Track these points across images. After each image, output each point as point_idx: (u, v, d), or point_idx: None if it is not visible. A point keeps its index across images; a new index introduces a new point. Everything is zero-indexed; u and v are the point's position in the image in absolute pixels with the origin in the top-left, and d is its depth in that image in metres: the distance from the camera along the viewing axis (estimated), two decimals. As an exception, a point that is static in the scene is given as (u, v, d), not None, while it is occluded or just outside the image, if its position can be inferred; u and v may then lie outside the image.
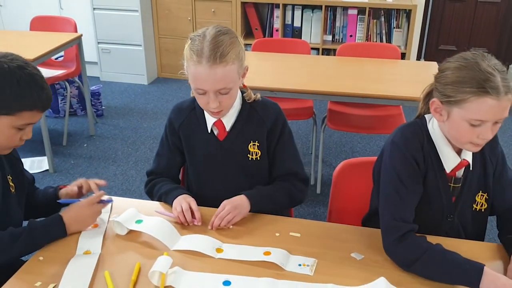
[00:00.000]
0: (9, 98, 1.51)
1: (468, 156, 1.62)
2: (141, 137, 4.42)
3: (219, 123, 1.84)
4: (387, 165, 1.63)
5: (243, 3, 5.20)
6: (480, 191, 1.69)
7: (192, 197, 1.80)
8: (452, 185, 1.65)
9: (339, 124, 3.52)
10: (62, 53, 4.40)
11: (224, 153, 1.85)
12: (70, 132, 4.47)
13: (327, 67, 3.50)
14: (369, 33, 5.09)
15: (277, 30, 5.23)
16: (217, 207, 1.77)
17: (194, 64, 1.64)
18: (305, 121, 4.34)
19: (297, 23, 5.18)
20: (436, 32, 5.57)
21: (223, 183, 1.88)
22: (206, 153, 1.87)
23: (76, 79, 4.49)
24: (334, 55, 4.02)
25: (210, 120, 1.84)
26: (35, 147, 4.15)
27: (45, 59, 3.79)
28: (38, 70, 1.59)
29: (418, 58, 5.60)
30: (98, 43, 5.53)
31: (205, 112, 1.85)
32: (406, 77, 3.31)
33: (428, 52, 5.66)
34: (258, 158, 1.87)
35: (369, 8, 4.92)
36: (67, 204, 1.77)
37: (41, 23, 4.44)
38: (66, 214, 1.67)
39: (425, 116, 1.67)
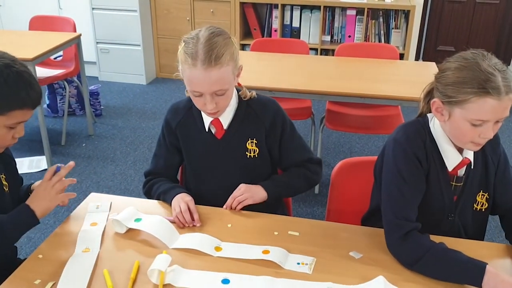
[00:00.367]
0: None
1: (469, 155, 1.63)
2: (139, 137, 4.43)
3: (216, 122, 1.84)
4: (389, 163, 1.63)
5: (241, 3, 5.20)
6: (481, 191, 1.69)
7: (191, 195, 1.80)
8: (454, 183, 1.65)
9: (337, 124, 3.53)
10: (61, 52, 4.41)
11: (222, 151, 1.86)
12: (68, 132, 4.47)
13: (326, 67, 3.50)
14: (368, 34, 5.09)
15: (275, 30, 5.23)
16: (216, 205, 1.79)
17: (189, 67, 1.64)
18: (303, 121, 4.34)
19: (295, 24, 5.19)
20: (435, 32, 5.58)
21: (221, 181, 1.88)
22: (204, 152, 1.87)
23: (75, 78, 4.50)
24: (333, 55, 4.03)
25: (207, 119, 1.85)
26: (33, 147, 4.16)
27: (44, 58, 3.79)
28: (26, 67, 1.57)
29: (417, 59, 5.61)
30: (97, 43, 5.53)
31: (201, 111, 1.85)
32: (405, 77, 3.31)
33: (426, 52, 5.67)
34: (256, 156, 1.88)
35: (368, 8, 4.93)
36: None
37: (40, 23, 4.44)
38: (31, 200, 1.64)
39: (428, 114, 1.67)
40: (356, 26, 5.08)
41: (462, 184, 1.66)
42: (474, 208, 1.70)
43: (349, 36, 5.13)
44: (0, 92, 1.48)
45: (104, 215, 1.77)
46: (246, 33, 5.35)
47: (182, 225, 1.71)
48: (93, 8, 5.37)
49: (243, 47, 5.17)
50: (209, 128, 1.86)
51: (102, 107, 4.90)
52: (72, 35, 4.10)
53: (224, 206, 1.79)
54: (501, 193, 1.70)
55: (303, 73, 3.36)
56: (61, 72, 4.31)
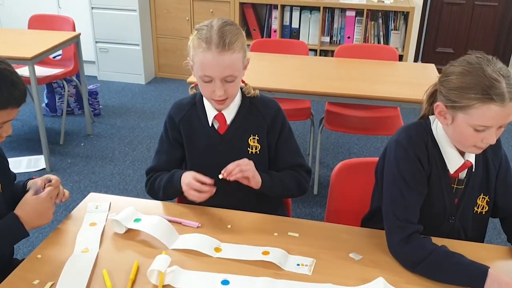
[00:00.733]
0: None
1: (471, 158, 1.63)
2: (138, 137, 4.42)
3: (220, 116, 1.85)
4: (391, 164, 1.63)
5: (241, 4, 5.20)
6: (482, 194, 1.69)
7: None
8: (455, 186, 1.65)
9: (336, 125, 3.53)
10: (60, 52, 4.40)
11: (224, 146, 1.87)
12: (67, 131, 4.46)
13: (325, 68, 3.50)
14: (367, 35, 5.10)
15: (275, 31, 5.23)
16: (216, 203, 1.81)
17: (203, 51, 1.67)
18: (302, 122, 4.35)
19: (295, 24, 5.19)
20: (434, 34, 5.58)
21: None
22: (206, 147, 1.88)
23: (74, 78, 4.49)
24: (332, 56, 4.03)
25: (211, 114, 1.86)
26: (32, 146, 4.15)
27: (43, 57, 3.78)
28: (8, 65, 1.52)
29: (416, 60, 5.61)
30: (96, 42, 5.53)
31: (205, 106, 1.87)
32: (404, 78, 3.31)
33: (425, 54, 5.67)
34: (258, 152, 1.88)
35: (367, 10, 4.93)
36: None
37: (39, 22, 4.44)
38: (22, 210, 1.59)
39: (430, 117, 1.67)
40: (356, 27, 5.08)
41: (463, 186, 1.66)
42: (474, 211, 1.70)
43: (348, 37, 5.13)
44: None
45: (103, 215, 1.77)
46: (246, 33, 5.32)
47: (208, 193, 1.72)
48: (92, 8, 5.37)
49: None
50: (212, 124, 1.87)
51: (100, 106, 4.89)
52: (71, 34, 4.10)
53: (223, 171, 1.73)
54: (502, 196, 1.70)
55: (302, 74, 3.36)
56: (60, 71, 4.31)
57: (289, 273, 1.50)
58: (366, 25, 5.04)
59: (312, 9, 5.13)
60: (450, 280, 1.46)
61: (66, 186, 1.77)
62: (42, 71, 4.23)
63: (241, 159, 1.76)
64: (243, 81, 1.90)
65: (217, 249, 1.60)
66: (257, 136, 1.88)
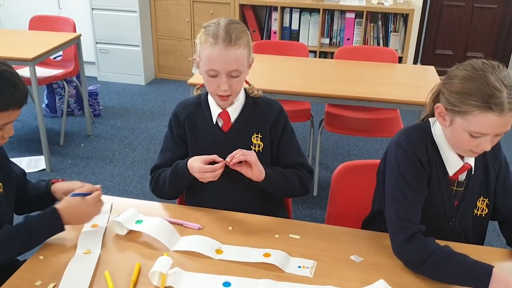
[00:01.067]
0: None
1: (470, 160, 1.64)
2: (138, 138, 4.43)
3: (224, 114, 1.88)
4: (392, 167, 1.64)
5: (241, 5, 5.21)
6: (482, 196, 1.70)
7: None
8: (454, 188, 1.66)
9: (336, 127, 3.54)
10: (60, 52, 4.40)
11: (228, 143, 1.88)
12: (67, 132, 4.47)
13: (325, 70, 3.51)
14: (366, 37, 5.11)
15: (275, 33, 5.24)
16: (218, 203, 1.85)
17: (210, 46, 1.72)
18: (302, 123, 4.35)
19: (294, 26, 5.20)
20: (433, 36, 5.59)
21: (225, 175, 1.87)
22: (210, 144, 1.89)
23: (74, 78, 4.49)
24: (331, 58, 4.03)
25: (215, 112, 1.88)
26: (32, 146, 4.16)
27: (44, 58, 3.79)
28: (9, 66, 1.53)
29: (415, 62, 5.62)
30: (96, 43, 5.53)
31: (210, 104, 1.89)
32: (403, 80, 3.33)
33: (424, 56, 5.68)
34: (261, 150, 1.90)
35: (367, 12, 4.95)
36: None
37: (40, 23, 4.44)
38: (64, 207, 1.62)
39: (429, 119, 1.68)
40: (355, 29, 5.09)
41: (462, 189, 1.67)
42: (474, 214, 1.71)
43: (348, 39, 5.15)
44: None
45: (105, 216, 1.77)
46: (245, 34, 5.35)
47: (220, 168, 1.75)
48: (92, 8, 5.37)
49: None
50: (216, 122, 1.89)
51: (100, 107, 4.89)
52: (72, 35, 4.10)
53: (229, 157, 1.74)
54: (501, 199, 1.71)
55: (302, 75, 3.37)
56: (60, 72, 4.31)
57: (290, 275, 1.51)
58: (366, 27, 5.05)
59: (311, 11, 5.14)
60: (454, 280, 1.46)
61: (59, 178, 1.77)
62: (42, 72, 4.23)
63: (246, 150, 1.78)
64: (247, 82, 1.92)
65: (219, 251, 1.61)
66: (260, 135, 1.90)
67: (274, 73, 3.36)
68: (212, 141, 1.89)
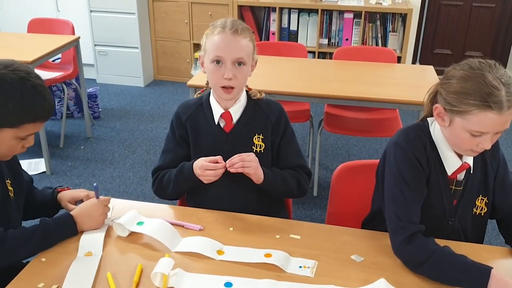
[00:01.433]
0: (12, 112, 1.50)
1: (469, 160, 1.65)
2: (137, 140, 4.43)
3: (226, 115, 1.89)
4: (391, 166, 1.65)
5: (239, 7, 5.22)
6: (481, 195, 1.71)
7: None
8: (453, 187, 1.67)
9: (335, 127, 3.55)
10: (59, 55, 4.41)
11: (229, 144, 1.89)
12: (67, 134, 4.47)
13: (324, 71, 3.52)
14: (365, 37, 5.12)
15: (273, 34, 5.25)
16: (219, 204, 1.86)
17: (218, 33, 1.78)
18: (302, 124, 4.36)
19: (293, 27, 5.21)
20: (432, 36, 5.60)
21: (226, 176, 1.88)
22: (212, 144, 1.90)
23: (73, 81, 4.50)
24: (330, 58, 4.04)
25: (217, 112, 1.90)
26: (32, 149, 4.10)
27: (43, 61, 3.80)
28: (41, 79, 1.58)
29: (414, 62, 5.63)
30: (95, 45, 5.53)
31: (212, 105, 1.91)
32: (402, 80, 3.34)
33: (423, 55, 5.69)
34: (262, 151, 1.91)
35: (365, 12, 4.96)
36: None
37: (38, 25, 4.44)
38: (77, 213, 1.68)
39: (428, 119, 1.69)
40: (354, 29, 5.10)
41: (461, 188, 1.68)
42: (473, 213, 1.72)
43: (347, 39, 5.15)
44: (15, 106, 1.50)
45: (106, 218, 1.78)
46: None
47: (220, 173, 1.78)
48: (91, 11, 5.37)
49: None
50: (218, 122, 1.90)
51: (100, 109, 4.90)
52: (71, 37, 4.11)
53: (228, 162, 1.76)
54: (500, 198, 1.72)
55: (301, 76, 3.38)
56: (59, 74, 4.31)
57: (292, 275, 1.52)
58: (364, 27, 5.06)
59: (310, 11, 5.15)
60: (453, 281, 1.47)
61: (65, 186, 1.80)
62: (41, 74, 4.16)
63: (246, 153, 1.79)
64: (249, 88, 1.95)
65: (220, 252, 1.61)
66: (262, 135, 1.91)
67: (273, 74, 3.37)
68: (214, 142, 1.90)
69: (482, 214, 1.72)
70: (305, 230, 1.74)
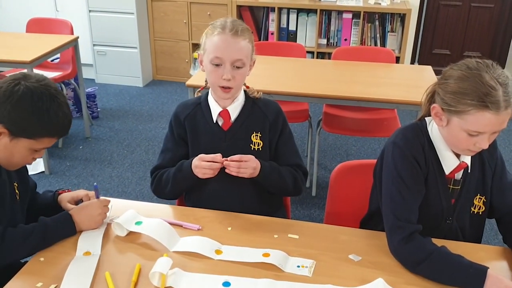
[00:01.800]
0: (35, 125, 1.54)
1: (466, 159, 1.65)
2: (136, 139, 4.43)
3: (224, 113, 1.90)
4: (389, 166, 1.65)
5: (238, 7, 5.22)
6: (478, 194, 1.71)
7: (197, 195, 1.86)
8: (451, 187, 1.68)
9: (334, 127, 3.55)
10: (58, 55, 4.41)
11: (227, 142, 1.90)
12: (65, 134, 4.46)
13: (323, 71, 3.53)
14: (364, 37, 5.12)
15: (272, 34, 5.25)
16: (217, 203, 1.86)
17: (218, 34, 1.78)
18: (300, 124, 4.37)
19: (292, 27, 5.21)
20: (430, 36, 5.61)
21: (224, 176, 1.88)
22: (210, 143, 1.91)
23: (72, 81, 4.50)
24: (329, 58, 4.05)
25: (215, 111, 1.91)
26: (30, 149, 4.15)
27: (42, 61, 3.79)
28: (65, 97, 1.64)
29: (412, 62, 5.63)
30: (94, 45, 5.53)
31: (210, 104, 1.92)
32: (401, 80, 3.34)
33: (422, 56, 5.69)
34: (260, 149, 1.92)
35: (364, 12, 4.96)
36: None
37: (37, 25, 4.44)
38: (76, 212, 1.69)
39: (426, 118, 1.69)
40: (352, 30, 5.11)
41: (459, 187, 1.68)
42: (471, 212, 1.72)
43: (345, 40, 5.16)
44: (39, 119, 1.54)
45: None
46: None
47: (216, 167, 1.79)
48: (90, 11, 5.37)
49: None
50: (216, 121, 1.91)
51: (99, 109, 4.89)
52: (69, 37, 4.11)
53: (225, 161, 1.78)
54: (498, 197, 1.72)
55: (300, 76, 3.38)
56: (58, 74, 4.31)
57: (290, 274, 1.52)
58: (363, 27, 5.07)
59: (309, 11, 5.15)
60: (449, 281, 1.47)
61: (65, 189, 1.81)
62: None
63: (247, 155, 1.80)
64: (247, 86, 1.96)
65: (218, 251, 1.62)
66: (260, 133, 1.92)
67: (272, 74, 3.37)
68: (212, 140, 1.91)
69: (480, 213, 1.73)
70: (303, 229, 1.75)
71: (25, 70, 3.56)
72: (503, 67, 4.90)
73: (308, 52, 4.94)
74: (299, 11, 5.16)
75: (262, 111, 1.94)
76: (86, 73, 5.28)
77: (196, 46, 5.35)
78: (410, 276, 1.52)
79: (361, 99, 3.05)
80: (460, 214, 1.71)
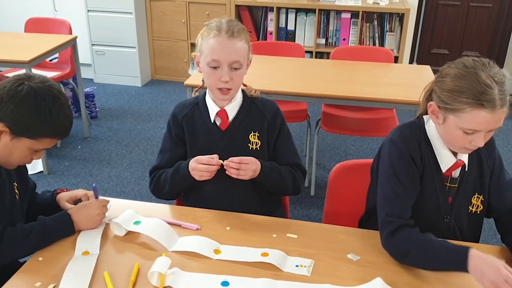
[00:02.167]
0: (37, 124, 1.55)
1: (464, 157, 1.66)
2: (135, 139, 4.43)
3: (222, 113, 1.90)
4: (385, 163, 1.66)
5: (237, 6, 5.22)
6: (476, 193, 1.71)
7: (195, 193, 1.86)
8: (448, 184, 1.68)
9: (333, 127, 3.55)
10: (56, 55, 4.40)
11: (225, 142, 1.90)
12: (64, 134, 4.45)
13: (321, 70, 3.53)
14: (362, 37, 5.12)
15: (271, 33, 5.26)
16: (217, 198, 1.88)
17: (214, 36, 1.77)
18: (299, 123, 4.37)
19: (290, 26, 5.21)
20: (429, 35, 5.61)
21: (223, 175, 1.88)
22: (208, 142, 1.91)
23: (71, 81, 4.50)
24: (327, 58, 4.04)
25: (213, 111, 1.91)
26: (29, 149, 4.15)
27: (40, 61, 3.79)
28: (67, 99, 1.64)
29: (411, 62, 5.64)
30: (92, 45, 5.53)
31: (208, 104, 1.92)
32: (399, 80, 3.34)
33: (420, 55, 5.70)
34: (258, 148, 1.92)
35: (362, 11, 4.96)
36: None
37: (35, 25, 4.44)
38: (75, 212, 1.69)
39: (423, 116, 1.70)
40: (351, 29, 5.11)
41: (456, 185, 1.68)
42: (469, 211, 1.72)
43: (344, 39, 5.16)
44: (41, 119, 1.54)
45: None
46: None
47: (216, 165, 1.79)
48: (88, 10, 5.37)
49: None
50: (214, 121, 1.91)
51: (97, 109, 4.89)
52: (68, 37, 4.11)
53: (226, 162, 1.78)
54: (496, 196, 1.73)
55: (298, 76, 3.38)
56: (56, 74, 4.31)
57: (288, 274, 1.52)
58: (362, 27, 5.07)
59: (307, 11, 5.15)
60: (437, 266, 1.48)
61: (64, 188, 1.81)
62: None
63: (247, 157, 1.80)
64: (244, 85, 1.96)
65: (217, 251, 1.62)
66: (258, 133, 1.92)
67: (270, 74, 3.38)
68: (210, 140, 1.91)
69: (478, 212, 1.73)
70: (302, 229, 1.75)
71: (23, 70, 3.59)
72: (501, 67, 4.90)
73: (306, 52, 4.94)
74: (298, 10, 5.16)
75: (260, 111, 1.94)
76: (85, 73, 5.28)
77: (194, 46, 5.36)
78: (408, 275, 1.53)
79: (359, 98, 3.05)
80: (458, 213, 1.72)
